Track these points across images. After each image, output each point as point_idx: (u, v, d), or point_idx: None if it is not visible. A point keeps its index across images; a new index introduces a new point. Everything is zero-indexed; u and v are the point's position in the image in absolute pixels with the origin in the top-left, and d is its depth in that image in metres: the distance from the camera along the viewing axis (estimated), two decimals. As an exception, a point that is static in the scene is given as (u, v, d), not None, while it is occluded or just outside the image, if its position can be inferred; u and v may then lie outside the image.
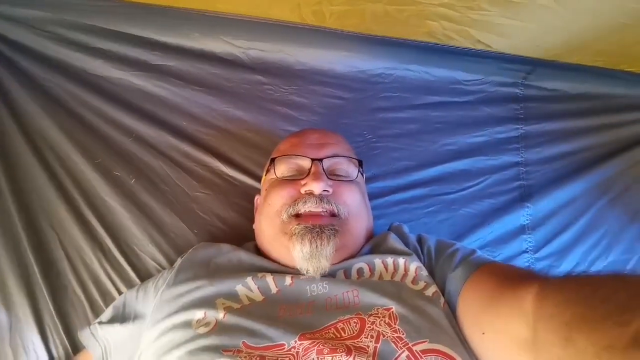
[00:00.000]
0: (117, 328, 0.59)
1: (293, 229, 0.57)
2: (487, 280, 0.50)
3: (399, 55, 0.91)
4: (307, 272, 0.55)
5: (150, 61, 0.86)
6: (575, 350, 0.31)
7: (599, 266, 0.84)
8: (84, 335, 0.62)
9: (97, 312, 0.71)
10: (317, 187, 0.58)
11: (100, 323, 0.62)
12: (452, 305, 0.51)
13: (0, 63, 0.82)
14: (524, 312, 0.39)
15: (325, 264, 0.55)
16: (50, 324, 0.70)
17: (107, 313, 0.63)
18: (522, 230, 0.85)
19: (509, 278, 0.47)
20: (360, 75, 0.91)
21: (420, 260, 0.58)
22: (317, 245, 0.54)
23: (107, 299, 0.73)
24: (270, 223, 0.61)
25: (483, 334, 0.46)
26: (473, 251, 0.58)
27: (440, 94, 0.93)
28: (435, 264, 0.58)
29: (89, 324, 0.67)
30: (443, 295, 0.53)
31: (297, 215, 0.59)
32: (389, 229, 0.69)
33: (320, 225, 0.56)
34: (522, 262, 0.83)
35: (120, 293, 0.72)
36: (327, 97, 0.90)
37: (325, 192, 0.59)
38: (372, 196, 0.80)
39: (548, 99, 0.96)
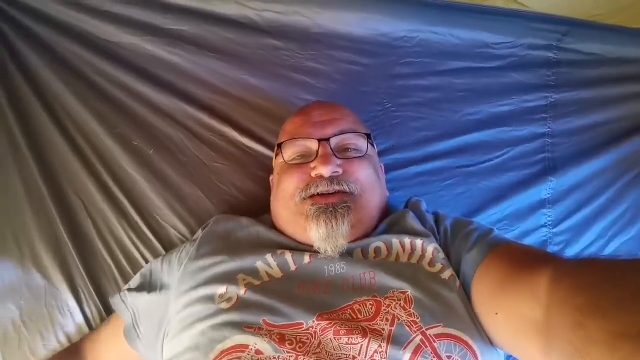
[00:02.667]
0: (144, 296, 0.62)
1: (308, 209, 0.57)
2: (502, 261, 0.50)
3: (423, 16, 0.85)
4: (325, 251, 0.56)
5: (162, 25, 0.82)
6: (586, 335, 0.31)
7: (618, 242, 0.82)
8: (114, 302, 0.65)
9: (125, 277, 0.75)
10: (325, 170, 0.57)
11: (129, 290, 0.64)
12: (467, 285, 0.52)
13: (12, 28, 0.80)
14: (538, 295, 0.39)
15: (342, 243, 0.55)
16: (82, 286, 0.73)
17: (135, 280, 0.66)
18: (542, 204, 0.82)
19: (524, 259, 0.47)
20: (380, 39, 0.86)
21: (437, 240, 0.58)
22: (332, 225, 0.55)
23: (134, 264, 0.76)
24: (285, 206, 0.61)
25: (496, 314, 0.46)
26: (490, 230, 0.57)
27: (466, 59, 0.87)
28: (451, 243, 0.58)
29: (118, 288, 0.71)
30: (458, 275, 0.53)
31: (311, 197, 0.58)
32: (406, 204, 0.69)
33: (333, 204, 0.56)
34: (539, 236, 0.82)
35: (145, 260, 0.75)
36: (345, 63, 0.85)
37: (335, 173, 0.58)
38: (389, 168, 0.79)
39: (583, 63, 0.89)
